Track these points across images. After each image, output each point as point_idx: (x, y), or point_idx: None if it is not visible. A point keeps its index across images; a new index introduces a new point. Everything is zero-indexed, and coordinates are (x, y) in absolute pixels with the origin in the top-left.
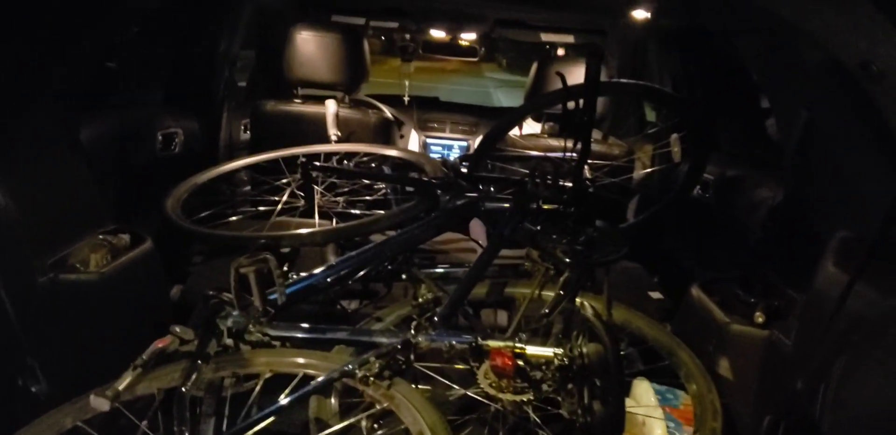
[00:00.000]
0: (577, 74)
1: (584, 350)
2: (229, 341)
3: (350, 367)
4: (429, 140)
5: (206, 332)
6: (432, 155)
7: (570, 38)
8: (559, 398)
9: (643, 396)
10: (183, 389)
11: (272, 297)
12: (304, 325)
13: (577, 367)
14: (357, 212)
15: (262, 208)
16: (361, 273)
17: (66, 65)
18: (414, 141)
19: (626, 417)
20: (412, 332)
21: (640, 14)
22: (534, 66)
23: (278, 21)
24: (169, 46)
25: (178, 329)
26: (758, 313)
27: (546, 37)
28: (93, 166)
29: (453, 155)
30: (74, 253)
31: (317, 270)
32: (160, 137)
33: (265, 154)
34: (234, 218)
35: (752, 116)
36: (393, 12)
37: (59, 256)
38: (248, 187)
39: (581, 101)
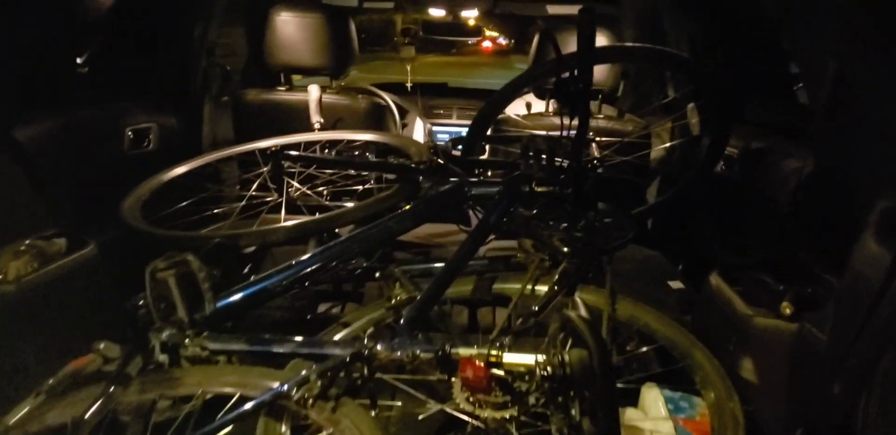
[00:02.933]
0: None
1: (566, 357)
2: (162, 358)
3: (286, 386)
4: (435, 127)
5: (133, 347)
6: (439, 142)
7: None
8: (548, 413)
9: (652, 406)
10: (85, 417)
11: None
12: (250, 336)
13: (560, 377)
14: (334, 204)
15: (232, 205)
16: (325, 273)
17: None
18: (419, 129)
19: (631, 432)
20: (366, 341)
21: None
22: (535, 40)
23: (263, 3)
24: (138, 35)
25: (102, 346)
26: (785, 303)
27: (553, 9)
28: (36, 167)
29: None
30: None
31: (269, 271)
32: (130, 134)
33: (238, 147)
34: (197, 217)
35: (779, 82)
36: None
37: None
38: (224, 183)
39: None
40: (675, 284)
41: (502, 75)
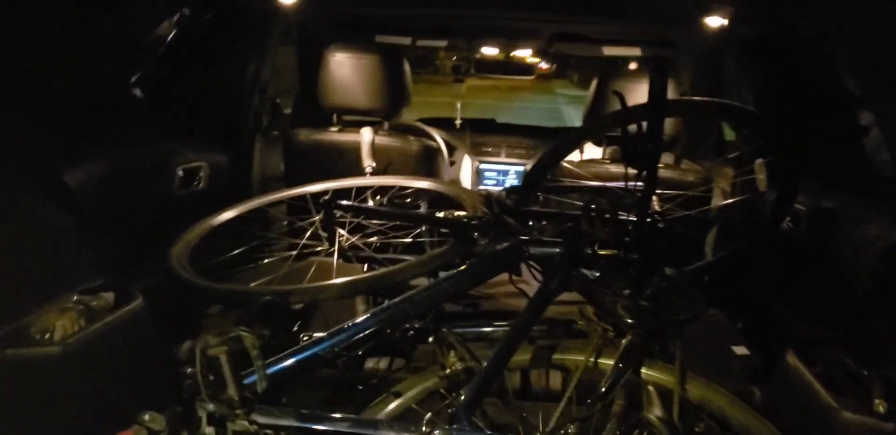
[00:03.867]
0: (643, 92)
1: None
2: (209, 431)
3: None
4: (482, 166)
5: (179, 419)
6: (486, 181)
7: (636, 51)
8: None
9: None
10: None
11: (251, 379)
12: (300, 411)
13: None
14: (384, 257)
15: (282, 254)
16: (377, 337)
17: (42, 102)
18: (467, 167)
19: None
20: (423, 428)
21: (714, 22)
22: (594, 83)
23: (317, 43)
24: (191, 74)
25: (146, 417)
26: (878, 400)
27: (609, 51)
28: (83, 213)
29: (509, 181)
30: (37, 320)
31: (320, 336)
32: (180, 173)
33: (289, 190)
34: (251, 265)
35: (851, 137)
36: (441, 30)
37: (15, 325)
38: (273, 228)
39: (644, 124)
40: (740, 350)
41: (544, 100)
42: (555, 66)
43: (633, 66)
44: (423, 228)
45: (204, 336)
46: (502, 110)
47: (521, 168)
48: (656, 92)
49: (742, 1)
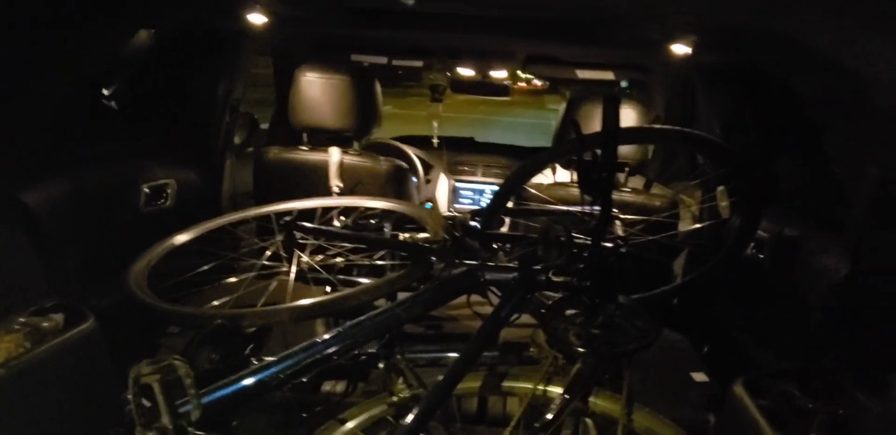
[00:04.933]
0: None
1: None
2: None
3: None
4: (459, 184)
5: None
6: (462, 200)
7: (609, 75)
8: None
9: None
10: None
11: (187, 408)
12: None
13: None
14: (343, 279)
15: (241, 275)
16: (327, 363)
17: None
18: (443, 186)
19: None
20: None
21: (679, 50)
22: (562, 107)
23: (292, 60)
24: (162, 90)
25: None
26: (815, 433)
27: (582, 74)
28: (41, 233)
29: (485, 200)
30: None
31: (265, 363)
32: (146, 190)
33: (253, 210)
34: (206, 287)
35: (815, 165)
36: (417, 51)
37: None
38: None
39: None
40: (699, 377)
41: (534, 115)
42: (547, 82)
43: (623, 84)
44: (384, 251)
45: (138, 364)
46: (491, 125)
47: (496, 187)
48: (609, 122)
49: (705, 31)
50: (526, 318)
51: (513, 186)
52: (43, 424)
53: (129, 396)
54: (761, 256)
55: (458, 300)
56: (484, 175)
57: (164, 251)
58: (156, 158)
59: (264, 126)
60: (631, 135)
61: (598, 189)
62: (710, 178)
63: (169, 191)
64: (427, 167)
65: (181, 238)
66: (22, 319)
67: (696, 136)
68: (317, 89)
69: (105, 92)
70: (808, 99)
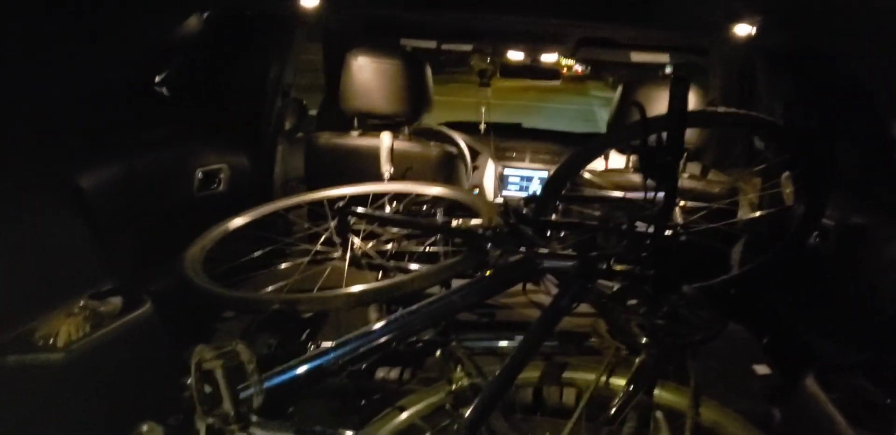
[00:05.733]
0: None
1: None
2: None
3: None
4: (506, 171)
5: (177, 432)
6: (510, 187)
7: (664, 58)
8: None
9: None
10: None
11: (248, 394)
12: (299, 425)
13: None
14: (397, 265)
15: (295, 260)
16: (383, 349)
17: (59, 103)
18: (490, 172)
19: None
20: None
21: (742, 31)
22: (618, 90)
23: (342, 44)
24: (213, 75)
25: (145, 428)
26: None
27: (637, 57)
28: (97, 216)
29: (533, 187)
30: (41, 326)
31: (324, 349)
32: (200, 175)
33: (306, 195)
34: (261, 272)
35: (881, 152)
36: (467, 34)
37: (19, 331)
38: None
39: (664, 136)
40: (762, 369)
41: (578, 102)
42: (589, 68)
43: (668, 70)
44: (438, 236)
45: (200, 349)
46: (534, 111)
47: (545, 174)
48: (677, 104)
49: (771, 11)
50: (586, 307)
51: (569, 172)
52: (101, 409)
53: (190, 382)
54: (826, 245)
55: (513, 289)
56: (532, 161)
57: (219, 236)
58: (208, 143)
59: (312, 112)
60: (696, 118)
61: (662, 174)
62: (771, 164)
63: (222, 176)
64: (474, 153)
65: (235, 223)
66: (81, 303)
67: (764, 121)
68: (368, 73)
69: (156, 78)
70: (874, 82)
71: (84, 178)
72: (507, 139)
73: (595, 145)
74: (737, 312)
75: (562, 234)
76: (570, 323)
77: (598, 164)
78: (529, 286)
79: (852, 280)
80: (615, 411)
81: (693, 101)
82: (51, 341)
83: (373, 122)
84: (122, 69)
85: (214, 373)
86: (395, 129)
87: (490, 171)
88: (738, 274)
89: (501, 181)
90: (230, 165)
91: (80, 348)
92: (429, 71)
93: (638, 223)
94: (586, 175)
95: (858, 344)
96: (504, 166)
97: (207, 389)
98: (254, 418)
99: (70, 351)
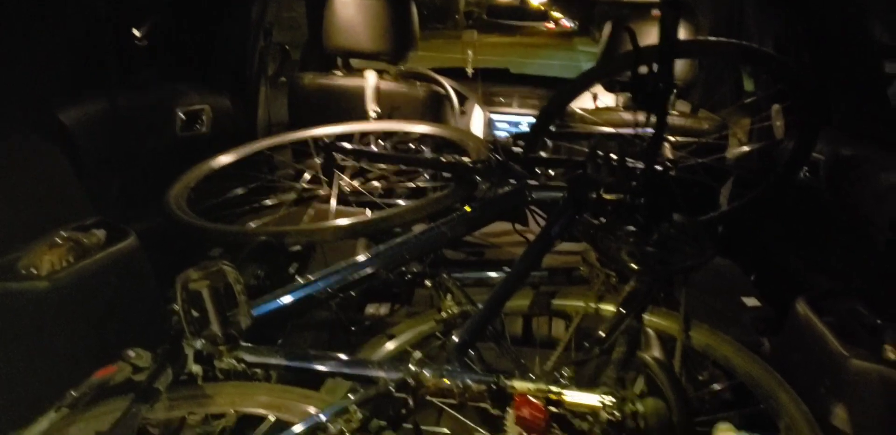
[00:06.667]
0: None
1: (640, 407)
2: (196, 369)
3: (324, 416)
4: (494, 116)
5: (165, 356)
6: (497, 132)
7: None
8: None
9: None
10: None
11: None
12: (289, 351)
13: (631, 426)
14: (384, 202)
15: (281, 197)
16: (373, 280)
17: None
18: (478, 118)
19: None
20: (412, 367)
21: None
22: (606, 27)
23: None
24: (193, 14)
25: (132, 353)
26: (889, 346)
27: None
28: (80, 154)
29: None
30: (25, 255)
31: (313, 278)
32: (182, 116)
33: (290, 134)
34: (245, 208)
35: (874, 85)
36: None
37: (2, 260)
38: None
39: (655, 66)
40: (751, 301)
41: (565, 57)
42: (577, 23)
43: (655, 12)
44: (426, 173)
45: (186, 271)
46: (520, 68)
47: (533, 119)
48: (668, 31)
49: None
50: (573, 246)
51: (558, 106)
52: (88, 337)
53: (177, 306)
54: (816, 179)
55: (503, 228)
56: (520, 106)
57: (203, 174)
58: (190, 84)
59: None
60: (687, 48)
61: (653, 102)
62: (760, 99)
63: (204, 117)
64: (462, 98)
65: (220, 161)
66: (64, 234)
67: (756, 50)
68: (351, 10)
69: (136, 33)
70: (864, 17)
71: (66, 114)
72: (495, 85)
73: (583, 77)
74: (727, 248)
75: (549, 170)
76: (559, 261)
77: (586, 104)
78: (519, 228)
79: (843, 212)
80: (606, 334)
81: (683, 35)
82: (34, 271)
83: (359, 65)
84: (106, 10)
85: (201, 293)
86: (380, 72)
87: (478, 116)
88: (728, 210)
89: (489, 127)
90: (213, 107)
91: (64, 278)
92: (414, 8)
93: (628, 160)
94: (577, 111)
95: (849, 274)
96: (492, 112)
97: (195, 313)
98: (242, 343)
99: (54, 280)
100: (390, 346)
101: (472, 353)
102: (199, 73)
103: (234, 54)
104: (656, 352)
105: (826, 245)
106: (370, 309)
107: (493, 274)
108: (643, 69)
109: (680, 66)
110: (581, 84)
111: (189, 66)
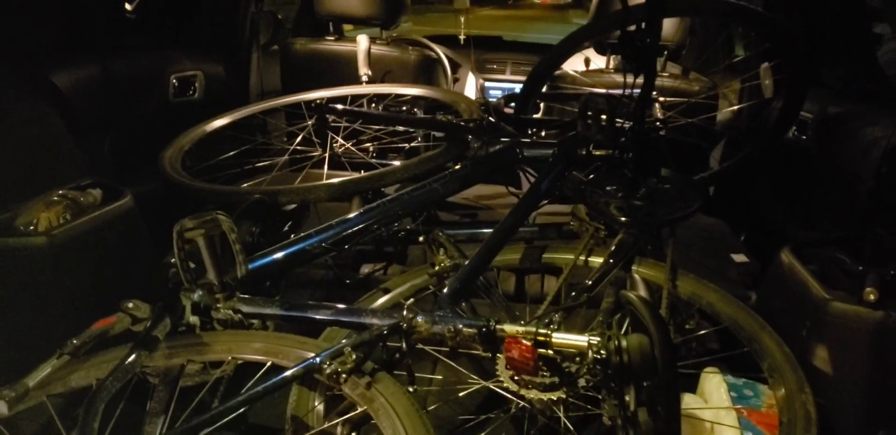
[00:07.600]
0: None
1: (624, 343)
2: (193, 319)
3: (319, 359)
4: (488, 83)
5: (163, 307)
6: (490, 99)
7: None
8: (599, 397)
9: (713, 393)
10: (108, 380)
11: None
12: (285, 301)
13: (616, 363)
14: (378, 162)
15: (275, 159)
16: (367, 235)
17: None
18: (471, 84)
19: (690, 421)
20: (405, 312)
21: None
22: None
23: None
24: None
25: (130, 305)
26: (868, 288)
27: None
28: (74, 116)
29: None
30: (22, 213)
31: (308, 232)
32: (174, 81)
33: (283, 98)
34: (239, 170)
35: (861, 44)
36: None
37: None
38: (268, 135)
39: (643, 24)
40: (739, 257)
41: (559, 30)
42: None
43: None
44: (418, 134)
45: (182, 220)
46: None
47: None
48: None
49: None
50: (564, 208)
51: (550, 67)
52: (85, 293)
53: (174, 255)
54: (804, 138)
55: (497, 191)
56: (513, 73)
57: (198, 137)
58: (182, 50)
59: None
60: (677, 5)
61: (642, 58)
62: (750, 58)
63: (197, 83)
64: (454, 65)
65: (213, 124)
66: (61, 192)
67: (744, 8)
68: None
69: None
70: None
71: (59, 76)
72: (488, 51)
73: (574, 37)
74: (718, 207)
75: (540, 131)
76: (549, 220)
77: (578, 67)
78: (512, 191)
79: (830, 169)
80: (593, 281)
81: None
82: (31, 227)
83: (352, 32)
84: None
85: (197, 242)
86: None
87: (471, 83)
88: (717, 170)
89: (482, 93)
90: (205, 73)
91: (61, 234)
92: None
93: (617, 118)
94: (569, 72)
95: (834, 227)
96: (485, 79)
97: (191, 264)
98: (239, 294)
99: (51, 236)
100: (384, 298)
101: (465, 305)
102: (192, 40)
103: (227, 21)
104: (639, 291)
105: (813, 201)
106: (365, 268)
107: (485, 230)
108: (632, 27)
109: (671, 27)
110: (571, 44)
111: (181, 33)
